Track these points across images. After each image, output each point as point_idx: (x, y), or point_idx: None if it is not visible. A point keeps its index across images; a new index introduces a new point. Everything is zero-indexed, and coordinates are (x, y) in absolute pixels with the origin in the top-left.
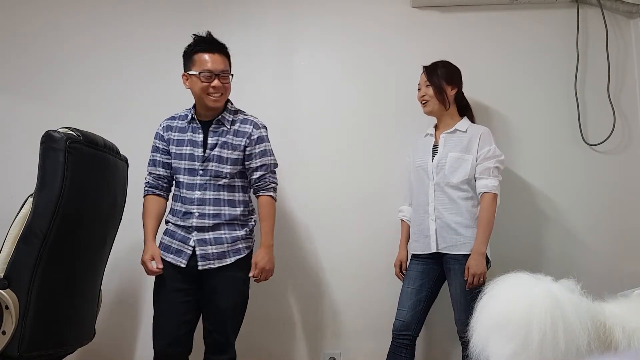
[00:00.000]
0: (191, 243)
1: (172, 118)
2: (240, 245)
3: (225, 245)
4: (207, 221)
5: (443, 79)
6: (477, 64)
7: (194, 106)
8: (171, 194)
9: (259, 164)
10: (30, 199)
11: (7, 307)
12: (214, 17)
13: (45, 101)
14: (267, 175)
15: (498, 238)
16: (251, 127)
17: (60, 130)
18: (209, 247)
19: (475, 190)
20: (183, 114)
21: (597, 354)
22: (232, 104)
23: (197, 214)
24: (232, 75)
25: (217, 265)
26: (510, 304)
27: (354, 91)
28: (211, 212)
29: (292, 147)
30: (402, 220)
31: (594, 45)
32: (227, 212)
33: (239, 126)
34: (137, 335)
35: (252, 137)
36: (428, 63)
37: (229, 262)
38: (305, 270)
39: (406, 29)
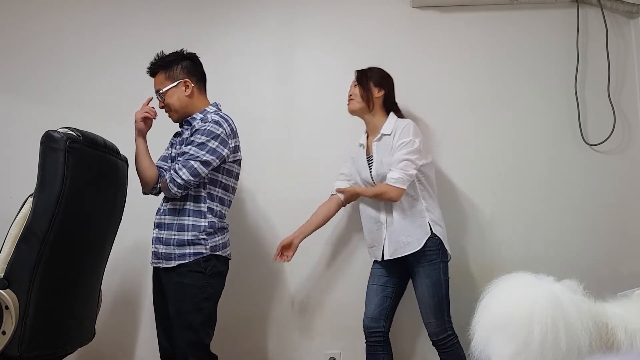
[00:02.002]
0: (153, 241)
1: None
2: (187, 251)
3: (172, 247)
4: (164, 216)
5: (371, 81)
6: (477, 64)
7: None
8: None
9: (180, 152)
10: (30, 199)
11: (7, 307)
12: (214, 17)
13: (45, 101)
14: (176, 164)
15: (498, 238)
16: (199, 122)
17: (60, 130)
18: (161, 246)
19: (415, 188)
20: None
21: (598, 355)
22: (214, 107)
23: (161, 210)
24: (165, 90)
25: (164, 266)
26: (512, 304)
27: None
28: (168, 207)
29: (291, 147)
30: (335, 195)
31: (594, 45)
32: (178, 207)
33: (196, 123)
34: (137, 335)
35: (193, 130)
36: (428, 63)
37: (173, 265)
38: (305, 270)
39: (406, 29)
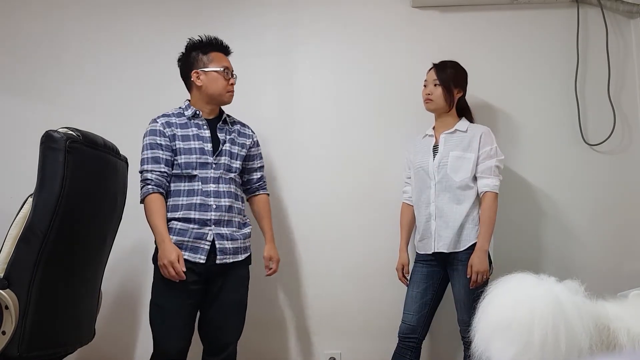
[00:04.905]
0: (209, 237)
1: (166, 115)
2: (248, 244)
3: (239, 241)
4: (224, 213)
5: (452, 81)
6: (477, 64)
7: (189, 104)
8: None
9: (259, 165)
10: (30, 199)
11: (7, 307)
12: (214, 17)
13: (45, 102)
14: (264, 176)
15: (498, 238)
16: (250, 130)
17: (60, 130)
18: (226, 242)
19: (476, 189)
20: (176, 112)
21: (599, 357)
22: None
23: (214, 206)
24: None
25: (231, 261)
26: (512, 306)
27: (354, 91)
28: (226, 203)
29: (292, 147)
30: (405, 203)
31: (594, 45)
32: (237, 206)
33: (240, 127)
34: (137, 335)
35: (254, 139)
36: (428, 63)
37: (241, 258)
38: (305, 270)
39: (406, 29)
